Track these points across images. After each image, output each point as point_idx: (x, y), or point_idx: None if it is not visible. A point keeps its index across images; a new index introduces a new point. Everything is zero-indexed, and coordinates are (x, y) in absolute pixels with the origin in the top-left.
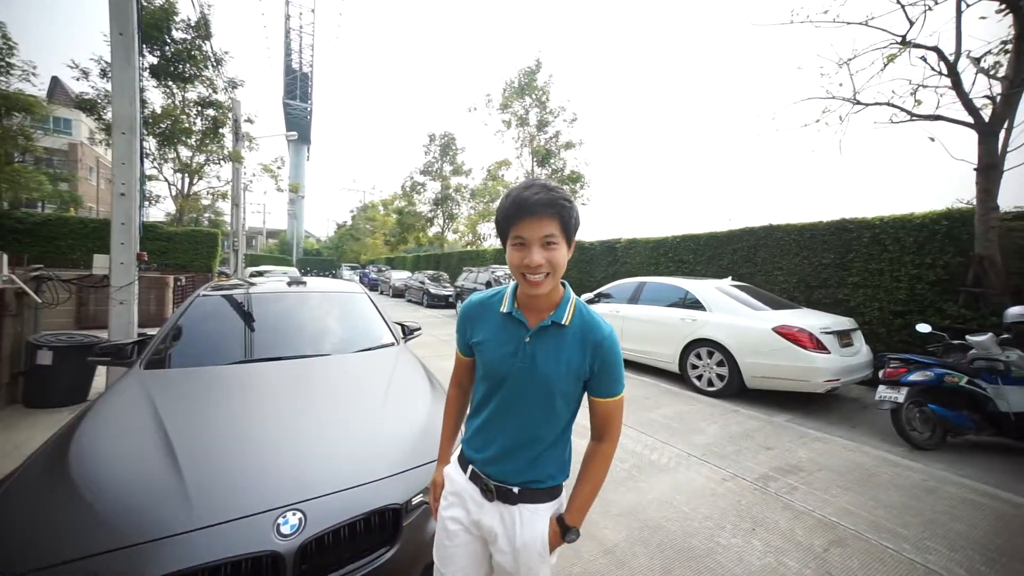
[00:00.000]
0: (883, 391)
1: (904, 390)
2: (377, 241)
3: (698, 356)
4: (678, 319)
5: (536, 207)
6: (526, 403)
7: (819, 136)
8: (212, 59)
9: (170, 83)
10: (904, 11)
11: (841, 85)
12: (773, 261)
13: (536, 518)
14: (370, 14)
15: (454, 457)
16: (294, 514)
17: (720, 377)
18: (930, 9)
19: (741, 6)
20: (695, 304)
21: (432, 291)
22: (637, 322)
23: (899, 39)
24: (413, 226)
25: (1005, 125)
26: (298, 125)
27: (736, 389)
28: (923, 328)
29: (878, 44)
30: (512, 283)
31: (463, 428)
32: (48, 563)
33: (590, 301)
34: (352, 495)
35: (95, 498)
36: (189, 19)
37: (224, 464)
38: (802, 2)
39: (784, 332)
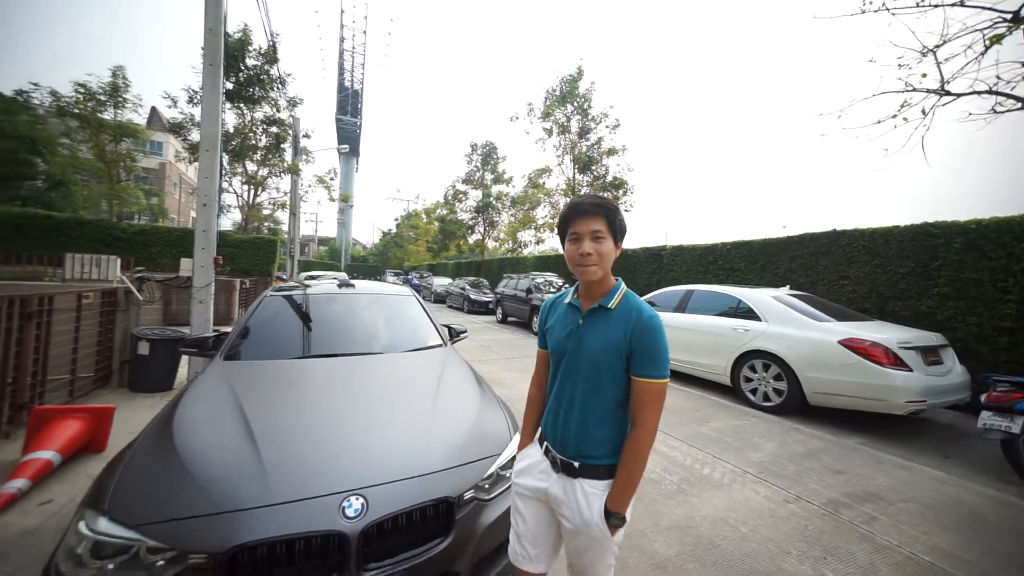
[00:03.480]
0: (989, 418)
1: (1021, 419)
2: (420, 248)
3: (752, 369)
4: (730, 329)
5: (587, 208)
6: (578, 377)
7: (894, 134)
8: (278, 81)
9: (241, 105)
10: None
11: (925, 76)
12: (839, 270)
13: (593, 494)
14: (416, 29)
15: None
16: (357, 498)
17: (777, 392)
18: None
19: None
20: (748, 313)
21: (473, 297)
22: (684, 331)
23: (1009, 16)
24: (455, 233)
25: None
26: (349, 139)
27: (796, 405)
28: None
29: (978, 25)
30: (576, 282)
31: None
32: (159, 519)
33: None
34: (410, 485)
35: (194, 469)
36: (260, 48)
37: (296, 448)
38: None
39: (853, 346)
